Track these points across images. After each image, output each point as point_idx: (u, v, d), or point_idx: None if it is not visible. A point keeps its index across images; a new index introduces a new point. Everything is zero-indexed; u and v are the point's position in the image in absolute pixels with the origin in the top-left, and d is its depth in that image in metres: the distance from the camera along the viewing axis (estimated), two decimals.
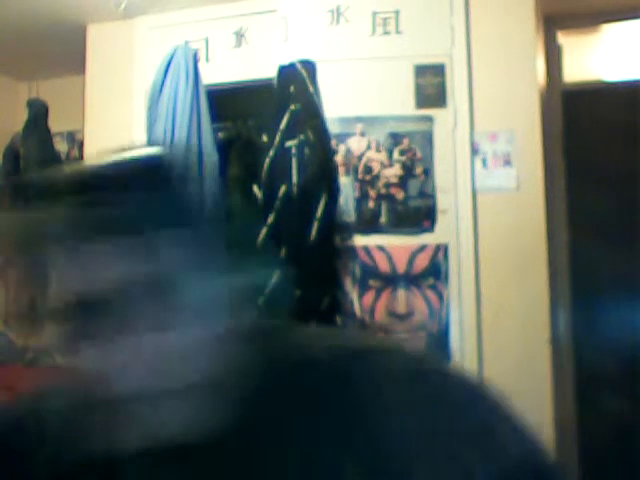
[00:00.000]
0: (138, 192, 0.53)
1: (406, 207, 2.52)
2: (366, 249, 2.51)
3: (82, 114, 3.05)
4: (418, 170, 2.51)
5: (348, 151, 2.56)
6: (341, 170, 2.50)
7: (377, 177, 2.54)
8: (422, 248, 2.48)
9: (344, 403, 0.50)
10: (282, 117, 2.15)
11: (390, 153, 2.54)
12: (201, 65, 2.61)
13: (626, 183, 2.82)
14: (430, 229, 2.49)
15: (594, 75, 3.22)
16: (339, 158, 2.53)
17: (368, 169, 2.55)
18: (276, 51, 2.63)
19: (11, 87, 3.74)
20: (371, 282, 2.50)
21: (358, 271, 2.51)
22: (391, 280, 2.49)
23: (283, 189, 2.03)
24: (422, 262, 2.47)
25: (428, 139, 2.51)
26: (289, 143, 2.07)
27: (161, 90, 2.45)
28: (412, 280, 2.47)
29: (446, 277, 2.45)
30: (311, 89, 2.22)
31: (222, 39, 2.80)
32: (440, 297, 2.45)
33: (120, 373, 0.51)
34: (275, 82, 2.29)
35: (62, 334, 0.53)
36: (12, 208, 0.56)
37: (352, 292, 2.44)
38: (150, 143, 2.47)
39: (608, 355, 2.77)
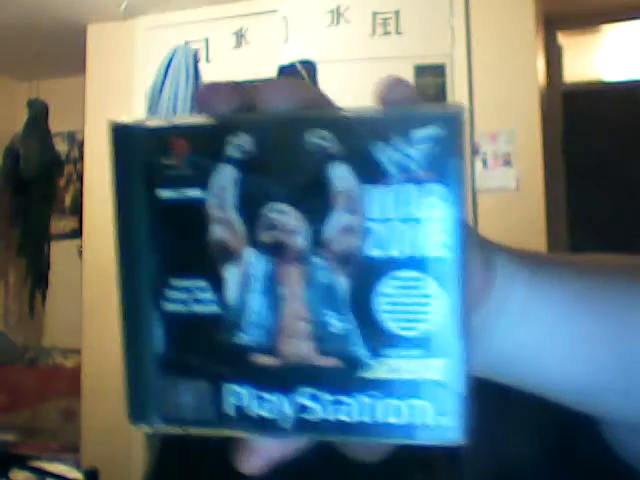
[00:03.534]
0: None
1: None
2: None
3: (82, 114, 3.05)
4: None
5: None
6: None
7: None
8: None
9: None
10: None
11: None
12: (201, 65, 2.61)
13: (626, 183, 2.82)
14: None
15: (594, 75, 3.22)
16: None
17: None
18: (276, 51, 2.63)
19: (11, 87, 3.74)
20: None
21: None
22: None
23: None
24: None
25: None
26: None
27: (161, 90, 2.45)
28: None
29: None
30: None
31: (222, 39, 2.80)
32: None
33: None
34: None
35: None
36: None
37: None
38: None
39: None
